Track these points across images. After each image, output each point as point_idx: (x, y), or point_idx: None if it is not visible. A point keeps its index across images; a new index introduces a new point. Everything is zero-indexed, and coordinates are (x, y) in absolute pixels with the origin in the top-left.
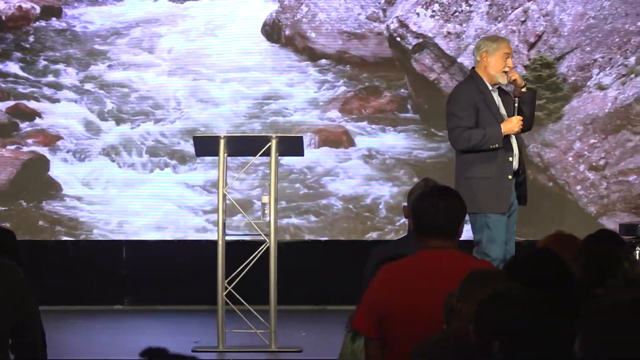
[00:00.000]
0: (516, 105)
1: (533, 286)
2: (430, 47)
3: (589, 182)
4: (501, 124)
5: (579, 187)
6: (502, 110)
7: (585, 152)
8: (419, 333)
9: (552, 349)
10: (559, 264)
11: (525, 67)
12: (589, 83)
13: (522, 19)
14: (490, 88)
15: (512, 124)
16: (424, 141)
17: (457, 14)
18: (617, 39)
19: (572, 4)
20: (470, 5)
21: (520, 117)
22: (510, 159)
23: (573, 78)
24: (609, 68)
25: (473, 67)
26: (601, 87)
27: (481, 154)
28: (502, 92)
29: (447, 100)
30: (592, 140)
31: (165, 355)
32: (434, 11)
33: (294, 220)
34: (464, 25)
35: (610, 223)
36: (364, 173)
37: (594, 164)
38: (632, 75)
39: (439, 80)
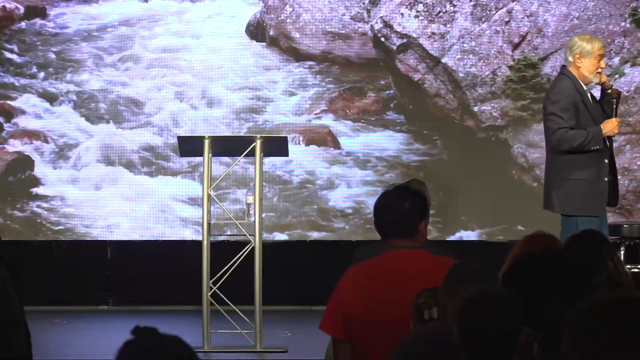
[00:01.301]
0: (614, 107)
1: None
2: (415, 47)
3: None
4: (601, 125)
5: None
6: (598, 112)
7: None
8: (386, 333)
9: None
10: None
11: (510, 67)
12: None
13: (506, 19)
14: (585, 88)
15: (612, 125)
16: (408, 141)
17: (441, 14)
18: (601, 39)
19: (556, 5)
20: (454, 6)
21: (619, 119)
22: (606, 160)
23: None
24: None
25: (564, 66)
26: None
27: (580, 155)
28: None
29: (547, 100)
30: None
31: (154, 334)
32: (418, 12)
33: (276, 219)
34: (448, 25)
35: None
36: (347, 173)
37: None
38: (616, 76)
39: (424, 81)
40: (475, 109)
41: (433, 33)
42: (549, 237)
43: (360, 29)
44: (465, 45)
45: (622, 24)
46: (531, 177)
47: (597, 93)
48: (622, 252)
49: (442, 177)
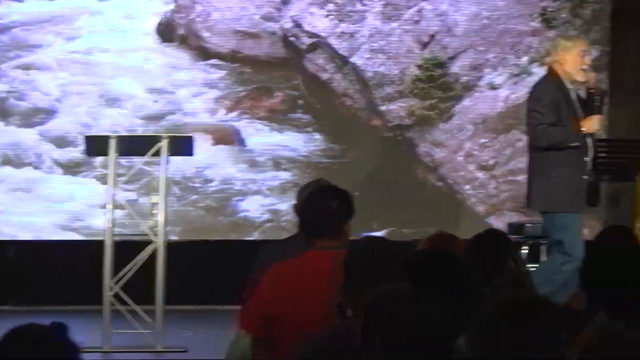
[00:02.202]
0: (596, 104)
1: (431, 288)
2: (324, 47)
3: (478, 182)
4: (582, 122)
5: (468, 187)
6: (579, 109)
7: (476, 152)
8: (306, 333)
9: (439, 348)
10: (458, 266)
11: (418, 66)
12: (480, 83)
13: (416, 18)
14: (569, 87)
15: (592, 122)
16: (315, 141)
17: (351, 13)
18: (509, 39)
19: (466, 4)
20: (365, 5)
21: (600, 116)
22: (586, 158)
23: (465, 78)
24: (501, 68)
25: (549, 65)
26: (493, 87)
27: (559, 152)
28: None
29: (529, 97)
30: (482, 140)
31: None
32: (328, 11)
33: (183, 220)
34: (358, 24)
35: (499, 222)
36: (254, 172)
37: (483, 163)
38: (524, 75)
39: (332, 80)
40: (383, 108)
41: (343, 32)
42: (450, 237)
43: (270, 28)
44: (374, 44)
45: (531, 23)
46: (436, 176)
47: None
48: (524, 251)
49: (349, 176)
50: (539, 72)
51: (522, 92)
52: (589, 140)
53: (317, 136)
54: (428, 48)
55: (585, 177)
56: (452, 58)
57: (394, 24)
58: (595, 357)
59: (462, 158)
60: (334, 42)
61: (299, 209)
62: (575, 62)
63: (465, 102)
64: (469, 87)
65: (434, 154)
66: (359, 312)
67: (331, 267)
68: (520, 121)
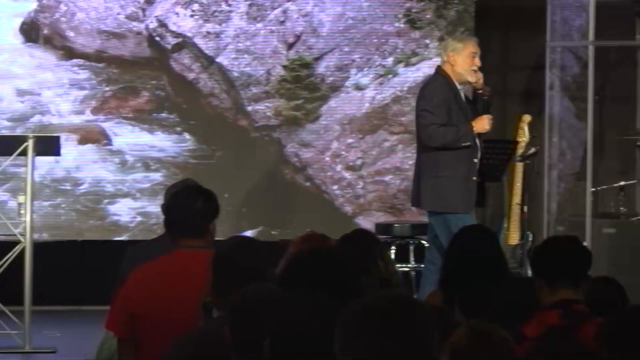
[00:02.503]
0: (486, 104)
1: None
2: (189, 47)
3: (346, 182)
4: (472, 122)
5: (335, 187)
6: (469, 110)
7: (342, 152)
8: (172, 333)
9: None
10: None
11: (284, 67)
12: (346, 83)
13: (282, 19)
14: (459, 87)
15: (483, 122)
16: (183, 141)
17: (216, 13)
18: (375, 40)
19: (331, 5)
20: (230, 5)
21: (490, 116)
22: (475, 159)
23: (331, 78)
24: (366, 68)
25: (439, 66)
26: (359, 88)
27: (450, 152)
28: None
29: (420, 97)
30: (349, 140)
31: None
32: (193, 11)
33: (53, 220)
34: (224, 25)
35: (366, 223)
36: (120, 172)
37: (350, 163)
38: (390, 76)
39: (198, 80)
40: (249, 108)
41: (208, 32)
42: (322, 237)
43: (135, 28)
44: (240, 44)
45: (396, 24)
46: (304, 176)
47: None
48: (392, 251)
49: (217, 176)
50: (405, 72)
51: (388, 92)
52: (478, 142)
53: (185, 136)
54: (294, 48)
55: (474, 177)
56: (318, 58)
57: (259, 25)
58: (466, 356)
59: (329, 158)
60: (199, 42)
61: (164, 208)
62: (466, 63)
63: (332, 103)
64: (335, 88)
65: (301, 154)
66: (228, 312)
67: (198, 266)
68: (387, 122)
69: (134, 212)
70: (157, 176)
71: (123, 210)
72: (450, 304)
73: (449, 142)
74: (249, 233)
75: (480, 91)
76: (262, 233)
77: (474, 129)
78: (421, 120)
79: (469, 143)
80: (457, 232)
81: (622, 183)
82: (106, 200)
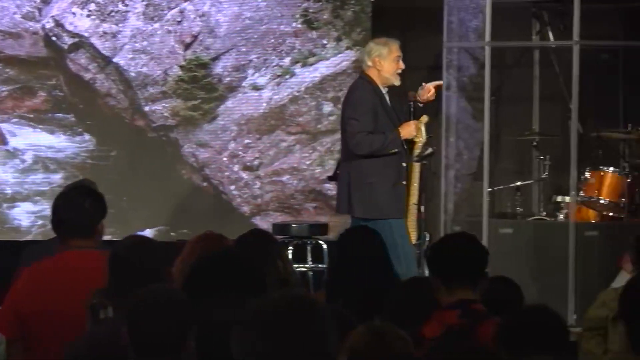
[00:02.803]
0: (412, 109)
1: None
2: (86, 47)
3: (243, 182)
4: (399, 128)
5: (233, 187)
6: (394, 115)
7: (240, 152)
8: (62, 333)
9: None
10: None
11: (181, 67)
12: (244, 83)
13: (179, 19)
14: (383, 92)
15: (410, 128)
16: (79, 141)
17: (113, 13)
18: (272, 40)
19: (228, 5)
20: (126, 5)
21: (416, 122)
22: (404, 164)
23: (228, 78)
24: (264, 69)
25: (363, 71)
26: (256, 88)
27: (379, 159)
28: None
29: (346, 104)
30: (246, 141)
31: None
32: (90, 11)
33: None
34: (120, 25)
35: (264, 223)
36: (18, 172)
37: (248, 164)
38: (287, 76)
39: (95, 80)
40: (147, 108)
41: (105, 32)
42: (219, 237)
43: (31, 28)
44: (137, 44)
45: (294, 24)
46: (201, 176)
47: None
48: (290, 251)
49: (113, 176)
50: (302, 72)
51: (285, 93)
52: (405, 147)
53: (83, 137)
54: (191, 49)
55: (404, 182)
56: (215, 59)
57: (156, 25)
58: (364, 356)
59: (226, 159)
60: (96, 42)
61: (52, 209)
62: (392, 67)
63: (229, 103)
64: (233, 88)
65: (199, 154)
66: (125, 313)
67: (88, 266)
68: (284, 122)
69: (34, 215)
70: (56, 178)
71: (23, 214)
72: (335, 303)
73: (376, 149)
74: (146, 233)
75: (407, 96)
76: (159, 233)
77: (401, 135)
78: (348, 128)
79: (396, 150)
80: (343, 233)
81: (519, 183)
82: (5, 205)
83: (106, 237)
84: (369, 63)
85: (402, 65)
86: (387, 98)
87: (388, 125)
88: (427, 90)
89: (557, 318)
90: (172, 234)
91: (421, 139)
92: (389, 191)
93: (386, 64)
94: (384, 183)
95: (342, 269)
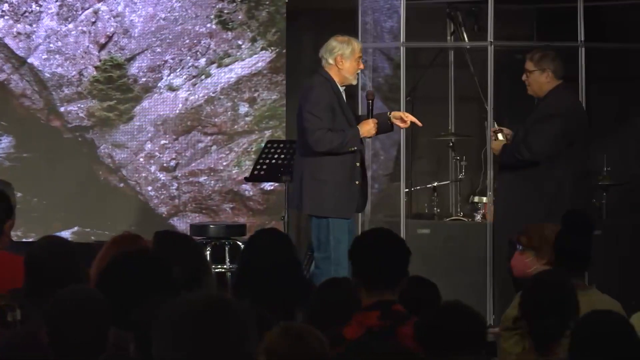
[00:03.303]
0: (371, 107)
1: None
2: (0, 47)
3: (160, 183)
4: (358, 126)
5: (150, 188)
6: (351, 113)
7: (157, 153)
8: None
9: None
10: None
11: (96, 68)
12: (159, 84)
13: (93, 19)
14: (341, 90)
15: (369, 127)
16: None
17: (27, 14)
18: (187, 41)
19: (143, 6)
20: (40, 6)
21: (375, 120)
22: (358, 164)
23: (144, 79)
24: (179, 69)
25: (322, 67)
26: (172, 89)
27: (333, 157)
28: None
29: (304, 101)
30: (163, 141)
31: None
32: (3, 11)
33: None
34: (34, 25)
35: (182, 224)
36: None
37: (165, 164)
38: (203, 77)
39: (9, 81)
40: (62, 109)
41: (19, 33)
42: (135, 238)
43: None
44: (51, 45)
45: (208, 25)
46: (118, 177)
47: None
48: (208, 252)
49: (29, 177)
50: (218, 73)
51: (201, 93)
52: (361, 146)
53: None
54: (105, 49)
55: (357, 182)
56: (130, 59)
57: (71, 25)
58: (281, 357)
59: (143, 159)
60: (10, 42)
61: None
62: (353, 67)
63: (145, 104)
64: (148, 89)
65: (115, 155)
66: (43, 314)
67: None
68: (200, 122)
69: None
70: None
71: None
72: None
73: (336, 147)
74: (63, 234)
75: (366, 93)
76: (77, 234)
77: (361, 133)
78: (307, 125)
79: (355, 147)
80: (253, 235)
81: (435, 184)
82: None
83: (23, 239)
84: (330, 61)
85: (362, 66)
86: (344, 96)
87: (344, 123)
88: (402, 119)
89: (473, 315)
90: (89, 235)
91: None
92: (340, 190)
93: (348, 63)
94: (336, 182)
95: (248, 271)
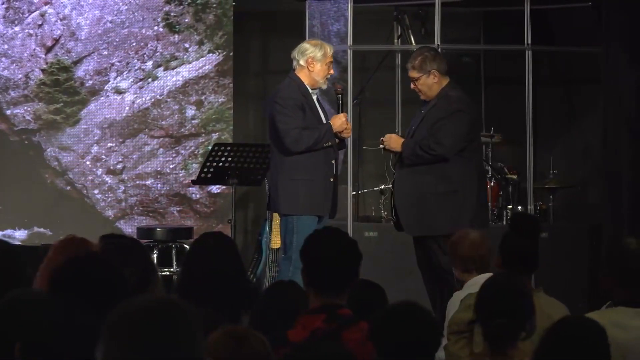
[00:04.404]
0: (340, 102)
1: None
2: None
3: (107, 186)
4: (330, 122)
5: (96, 191)
6: (321, 113)
7: (103, 156)
8: None
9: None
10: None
11: (43, 71)
12: (106, 87)
13: (39, 22)
14: (310, 91)
15: (341, 120)
16: None
17: None
18: (134, 44)
19: (89, 8)
20: None
21: (345, 114)
22: (332, 161)
23: (90, 82)
24: (126, 72)
25: (293, 70)
26: (119, 92)
27: (307, 155)
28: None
29: (275, 103)
30: (110, 144)
31: None
32: None
33: None
34: None
35: (129, 227)
36: None
37: (111, 167)
38: (150, 80)
39: None
40: (8, 112)
41: None
42: (82, 241)
43: None
44: None
45: (155, 28)
46: (64, 180)
47: None
48: (155, 255)
49: None
50: (165, 76)
51: (148, 96)
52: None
53: None
54: (52, 52)
55: (331, 180)
56: (77, 62)
57: (17, 28)
58: (223, 358)
59: (89, 162)
60: None
61: None
62: (323, 71)
63: (92, 107)
64: (95, 92)
65: (62, 158)
66: None
67: None
68: (147, 125)
69: None
70: None
71: None
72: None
73: (312, 144)
74: (8, 237)
75: (336, 89)
76: (23, 237)
77: (334, 128)
78: (280, 127)
79: (330, 143)
80: (197, 239)
81: (382, 187)
82: None
83: None
84: (302, 62)
85: (332, 71)
86: (315, 99)
87: (314, 122)
88: (386, 141)
89: (425, 313)
90: (35, 238)
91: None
92: (314, 188)
93: (319, 66)
94: (311, 179)
95: (192, 275)
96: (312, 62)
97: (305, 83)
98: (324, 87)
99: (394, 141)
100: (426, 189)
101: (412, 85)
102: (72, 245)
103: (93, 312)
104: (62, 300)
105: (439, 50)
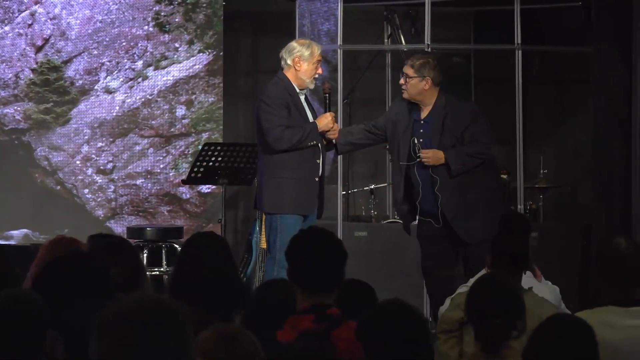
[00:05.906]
0: (327, 101)
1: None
2: None
3: (97, 186)
4: (316, 121)
5: (86, 191)
6: (309, 113)
7: (93, 156)
8: None
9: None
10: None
11: (33, 70)
12: (96, 87)
13: (29, 22)
14: (298, 91)
15: (327, 120)
16: None
17: None
18: (124, 43)
19: (80, 8)
20: None
21: (332, 113)
22: (318, 161)
23: (81, 82)
24: (116, 72)
25: (281, 70)
26: (109, 91)
27: (292, 154)
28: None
29: (261, 102)
30: (100, 144)
31: None
32: None
33: None
34: None
35: (119, 226)
36: None
37: (101, 167)
38: (140, 79)
39: None
40: None
41: None
42: (72, 241)
43: None
44: None
45: (146, 27)
46: (54, 180)
47: None
48: (145, 255)
49: None
50: (155, 75)
51: (138, 96)
52: (321, 144)
53: None
54: (42, 52)
55: (317, 179)
56: (67, 62)
57: (7, 27)
58: (214, 357)
59: (79, 162)
60: None
61: None
62: (311, 70)
63: (82, 106)
64: (85, 91)
65: (52, 157)
66: None
67: None
68: (137, 125)
69: None
70: None
71: None
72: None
73: (296, 142)
74: None
75: (323, 88)
76: (13, 237)
77: (319, 127)
78: (265, 124)
79: (315, 142)
80: (189, 239)
81: (373, 186)
82: None
83: None
84: (289, 61)
85: (320, 71)
86: (303, 99)
87: (300, 121)
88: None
89: (414, 311)
90: (26, 238)
91: None
92: (299, 186)
93: (306, 65)
94: (296, 178)
95: (184, 276)
96: (299, 62)
97: (293, 82)
98: (312, 86)
99: (435, 155)
100: (482, 194)
101: (401, 80)
102: (61, 245)
103: (77, 309)
104: (45, 297)
105: (429, 49)
